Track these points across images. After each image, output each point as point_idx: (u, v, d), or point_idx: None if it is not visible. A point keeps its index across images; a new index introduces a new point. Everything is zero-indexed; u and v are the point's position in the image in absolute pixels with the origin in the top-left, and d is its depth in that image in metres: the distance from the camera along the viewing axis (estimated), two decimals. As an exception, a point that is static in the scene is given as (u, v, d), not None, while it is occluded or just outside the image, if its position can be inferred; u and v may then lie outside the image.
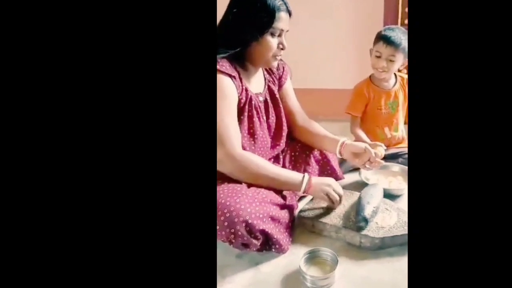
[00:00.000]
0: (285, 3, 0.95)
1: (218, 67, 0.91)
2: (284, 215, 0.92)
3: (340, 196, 0.98)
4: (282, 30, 0.95)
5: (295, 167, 1.14)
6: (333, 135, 1.13)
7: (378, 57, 1.26)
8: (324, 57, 2.00)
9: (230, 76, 0.93)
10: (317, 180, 0.97)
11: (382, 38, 1.24)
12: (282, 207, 0.93)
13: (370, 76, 1.39)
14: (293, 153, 1.17)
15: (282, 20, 0.94)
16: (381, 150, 1.08)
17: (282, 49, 0.98)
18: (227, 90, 0.93)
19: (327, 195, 0.96)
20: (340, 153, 1.09)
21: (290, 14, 0.97)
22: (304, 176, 0.95)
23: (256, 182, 0.93)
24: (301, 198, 1.12)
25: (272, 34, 0.95)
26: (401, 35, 1.24)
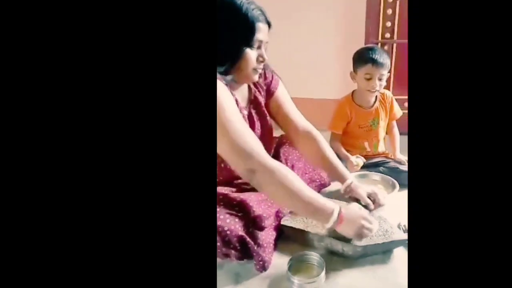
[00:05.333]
0: (263, 13, 0.90)
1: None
2: (268, 230, 0.90)
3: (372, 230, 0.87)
4: (261, 41, 0.91)
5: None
6: (342, 167, 1.10)
7: (369, 79, 1.30)
8: (308, 67, 2.03)
9: (225, 83, 0.88)
10: (349, 213, 0.86)
11: (370, 60, 1.28)
12: (266, 218, 0.91)
13: (352, 94, 1.42)
14: (285, 158, 1.15)
15: (261, 31, 0.89)
16: (360, 162, 1.29)
17: (262, 61, 0.93)
18: (230, 98, 0.86)
19: (360, 232, 0.85)
20: (344, 191, 1.07)
21: (269, 26, 0.92)
22: (334, 209, 0.84)
23: (284, 203, 0.86)
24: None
25: (251, 47, 0.89)
26: (383, 54, 1.30)
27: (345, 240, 0.89)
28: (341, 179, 1.08)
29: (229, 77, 0.91)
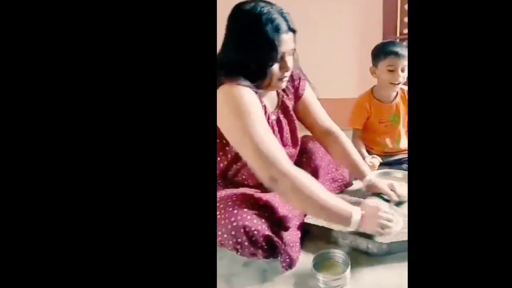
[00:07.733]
0: (286, 20, 0.85)
1: (239, 81, 0.85)
2: (293, 230, 0.92)
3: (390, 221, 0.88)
4: (284, 52, 0.87)
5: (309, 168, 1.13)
6: (363, 165, 1.11)
7: (392, 71, 1.29)
8: (326, 67, 2.03)
9: (254, 91, 0.87)
10: (368, 210, 0.87)
11: (391, 52, 1.28)
12: (291, 218, 0.93)
13: (372, 89, 1.42)
14: (307, 158, 1.16)
15: (284, 43, 0.85)
16: (376, 162, 1.27)
17: (286, 71, 0.90)
18: (255, 104, 0.86)
19: (381, 225, 0.86)
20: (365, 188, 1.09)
21: (293, 32, 0.88)
22: (353, 212, 0.84)
23: (305, 209, 0.89)
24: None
25: (274, 63, 0.87)
26: (403, 46, 1.30)
27: (367, 236, 0.90)
28: (361, 176, 1.09)
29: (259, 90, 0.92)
